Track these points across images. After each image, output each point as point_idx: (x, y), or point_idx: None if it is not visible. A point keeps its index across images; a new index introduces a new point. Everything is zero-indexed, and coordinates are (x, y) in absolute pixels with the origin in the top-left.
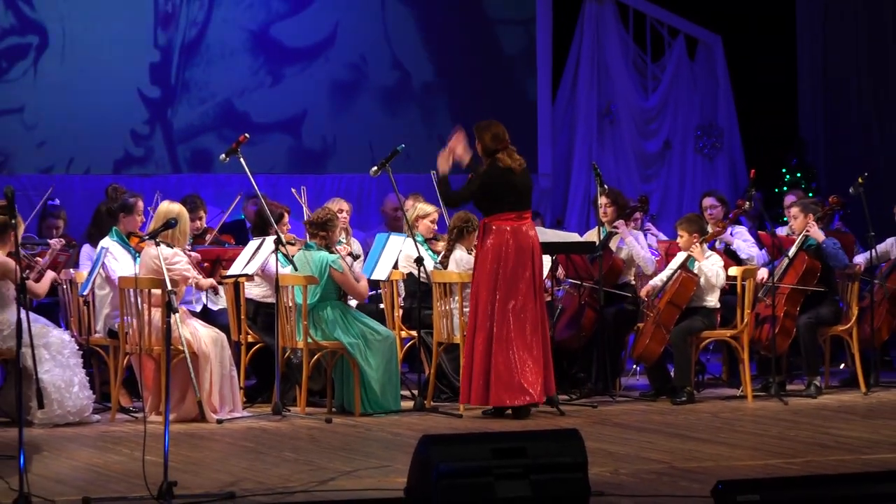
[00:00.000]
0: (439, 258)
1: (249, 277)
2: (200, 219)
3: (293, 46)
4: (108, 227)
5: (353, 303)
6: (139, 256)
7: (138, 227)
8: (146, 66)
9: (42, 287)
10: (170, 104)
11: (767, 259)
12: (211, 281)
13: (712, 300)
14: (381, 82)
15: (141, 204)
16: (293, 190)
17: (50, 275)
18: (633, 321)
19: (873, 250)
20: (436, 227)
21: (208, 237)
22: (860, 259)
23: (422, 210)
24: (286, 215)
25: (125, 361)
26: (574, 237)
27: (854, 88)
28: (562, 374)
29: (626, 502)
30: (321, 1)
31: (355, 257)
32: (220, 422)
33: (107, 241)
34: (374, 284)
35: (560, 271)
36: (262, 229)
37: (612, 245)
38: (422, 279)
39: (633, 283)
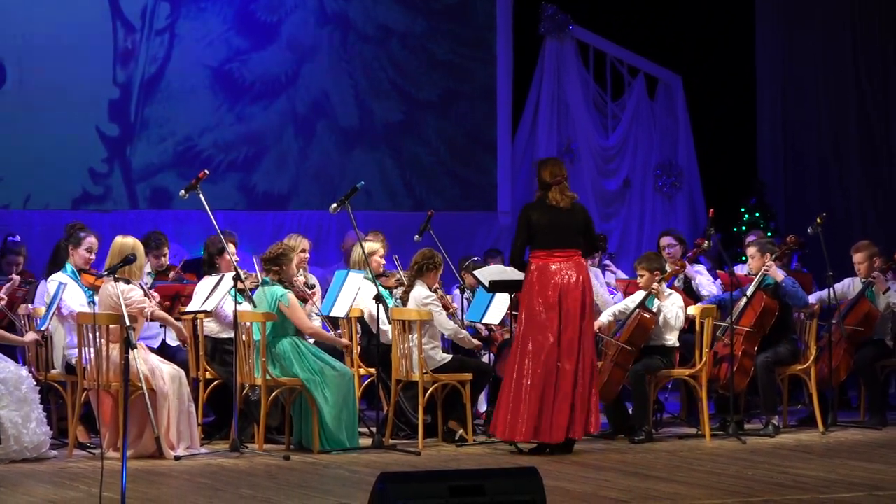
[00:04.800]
0: (400, 293)
1: (208, 314)
2: (164, 255)
3: (254, 84)
4: (65, 262)
5: (311, 339)
6: (91, 293)
7: (87, 264)
8: (105, 104)
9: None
10: (129, 142)
11: (724, 294)
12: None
13: (671, 339)
14: (344, 120)
15: (92, 240)
16: (254, 258)
17: (31, 335)
18: None
19: (831, 290)
20: (384, 263)
21: (172, 274)
22: (815, 298)
23: (369, 248)
24: (233, 246)
25: (83, 397)
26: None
27: (813, 129)
28: None
29: None
30: (283, 38)
31: (310, 286)
32: (177, 458)
33: (62, 277)
34: (332, 322)
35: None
36: (210, 263)
37: None
38: (380, 320)
39: None
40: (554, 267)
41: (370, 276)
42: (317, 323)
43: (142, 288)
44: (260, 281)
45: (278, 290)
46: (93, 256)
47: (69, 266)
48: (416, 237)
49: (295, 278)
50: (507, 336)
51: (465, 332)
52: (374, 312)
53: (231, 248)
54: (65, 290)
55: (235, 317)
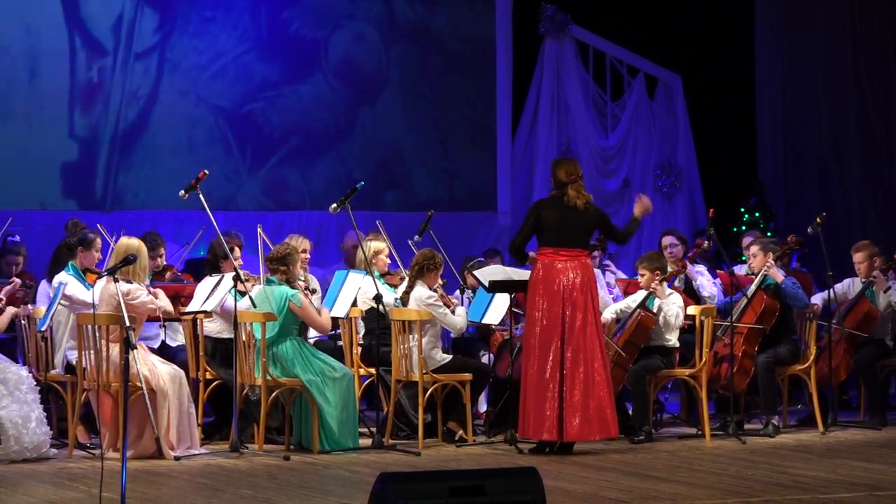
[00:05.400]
0: (400, 294)
1: (207, 314)
2: (161, 256)
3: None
4: (67, 262)
5: (311, 339)
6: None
7: (94, 264)
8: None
9: (1, 322)
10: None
11: (725, 299)
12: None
13: (672, 339)
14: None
15: (99, 241)
16: (259, 227)
17: (10, 310)
18: None
19: (831, 290)
20: (389, 262)
21: (168, 274)
22: (818, 299)
23: (375, 247)
24: (238, 249)
25: (83, 397)
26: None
27: (813, 129)
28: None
29: None
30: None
31: (312, 291)
32: (177, 458)
33: (63, 276)
34: (333, 322)
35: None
36: (214, 265)
37: None
38: (381, 312)
39: None
40: (559, 265)
41: (376, 274)
42: None
43: (146, 288)
44: (264, 281)
45: (287, 289)
46: (100, 256)
47: (71, 265)
48: (416, 237)
49: (297, 280)
50: (506, 336)
51: (466, 320)
52: (375, 312)
53: (236, 251)
54: (67, 288)
55: (235, 317)
